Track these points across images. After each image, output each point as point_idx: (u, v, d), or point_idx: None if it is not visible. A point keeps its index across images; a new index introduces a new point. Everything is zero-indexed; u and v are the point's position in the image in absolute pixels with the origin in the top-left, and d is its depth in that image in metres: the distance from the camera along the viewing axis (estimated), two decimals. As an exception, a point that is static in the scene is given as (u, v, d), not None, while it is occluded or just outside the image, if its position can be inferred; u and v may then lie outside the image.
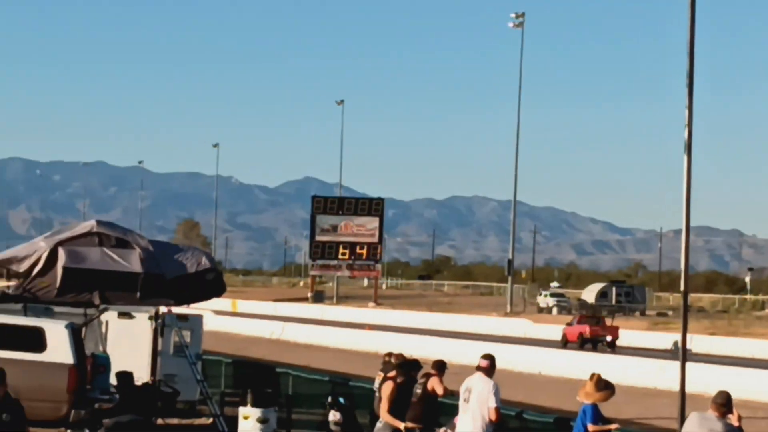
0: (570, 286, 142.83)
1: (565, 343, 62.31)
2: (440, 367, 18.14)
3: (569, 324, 65.47)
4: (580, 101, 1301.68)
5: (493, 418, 15.79)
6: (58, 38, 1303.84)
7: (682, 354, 23.58)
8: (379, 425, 17.92)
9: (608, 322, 64.66)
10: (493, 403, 15.73)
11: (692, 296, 77.33)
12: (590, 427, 14.98)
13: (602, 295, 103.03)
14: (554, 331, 70.31)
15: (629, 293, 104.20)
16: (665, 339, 62.31)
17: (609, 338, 61.74)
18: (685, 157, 23.80)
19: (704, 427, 12.29)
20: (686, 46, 23.85)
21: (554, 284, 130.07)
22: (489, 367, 16.12)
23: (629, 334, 66.81)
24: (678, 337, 24.55)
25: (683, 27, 23.96)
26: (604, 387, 15.12)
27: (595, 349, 59.77)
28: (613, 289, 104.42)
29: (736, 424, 12.43)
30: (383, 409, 17.75)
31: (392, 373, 18.10)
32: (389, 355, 19.37)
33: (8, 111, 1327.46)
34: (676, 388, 23.86)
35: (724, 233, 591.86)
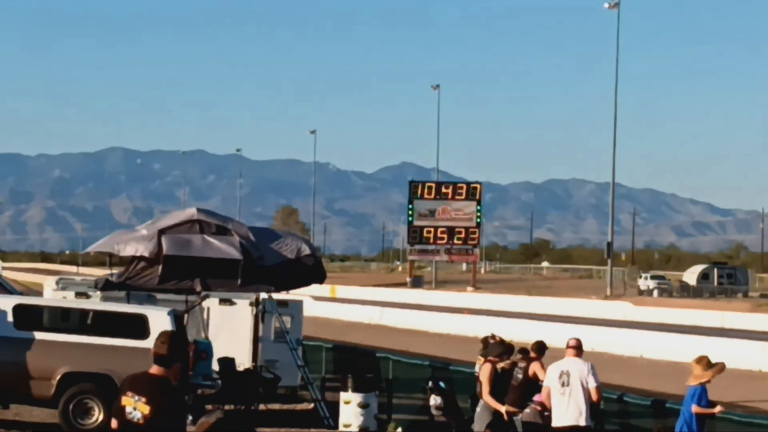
0: (670, 268, 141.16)
1: None
2: (540, 348, 18.06)
3: None
4: (678, 81, 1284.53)
5: (595, 397, 15.89)
6: (156, 29, 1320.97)
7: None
8: (478, 408, 17.91)
9: None
10: (593, 383, 15.84)
11: (797, 277, 75.84)
12: (694, 408, 14.90)
13: (704, 276, 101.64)
14: (655, 313, 69.47)
15: (731, 275, 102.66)
16: (769, 321, 61.22)
17: None
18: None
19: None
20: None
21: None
22: (580, 348, 16.31)
23: (732, 316, 65.76)
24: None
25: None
26: (713, 365, 15.08)
27: None
28: (715, 270, 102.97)
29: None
30: (484, 391, 17.75)
31: (491, 357, 18.07)
32: (491, 337, 19.28)
33: (109, 101, 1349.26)
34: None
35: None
